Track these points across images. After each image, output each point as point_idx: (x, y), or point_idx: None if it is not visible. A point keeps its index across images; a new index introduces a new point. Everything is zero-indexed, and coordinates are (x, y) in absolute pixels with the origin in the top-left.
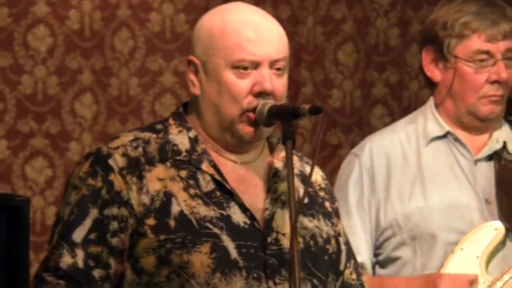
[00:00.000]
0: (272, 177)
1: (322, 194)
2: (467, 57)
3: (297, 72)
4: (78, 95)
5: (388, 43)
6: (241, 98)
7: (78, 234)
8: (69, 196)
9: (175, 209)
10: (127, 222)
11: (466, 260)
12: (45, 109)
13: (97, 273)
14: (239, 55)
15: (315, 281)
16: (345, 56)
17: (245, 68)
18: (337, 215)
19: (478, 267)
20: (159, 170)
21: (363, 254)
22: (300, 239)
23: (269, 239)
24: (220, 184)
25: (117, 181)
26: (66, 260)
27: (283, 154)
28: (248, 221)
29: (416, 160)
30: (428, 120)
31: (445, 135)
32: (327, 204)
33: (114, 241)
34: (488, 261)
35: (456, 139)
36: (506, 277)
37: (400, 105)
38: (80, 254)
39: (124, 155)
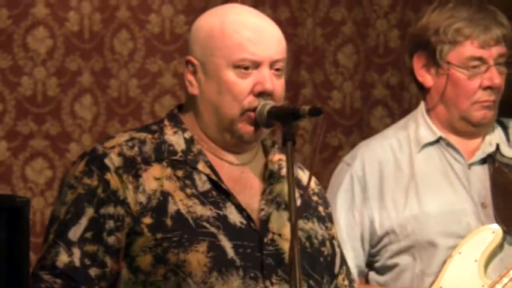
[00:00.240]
0: (267, 179)
1: (315, 198)
2: (460, 64)
3: (296, 74)
4: (77, 96)
5: (388, 45)
6: (242, 97)
7: (75, 233)
8: (64, 196)
9: (172, 208)
10: (123, 221)
11: (464, 264)
12: (45, 110)
13: (93, 271)
14: (240, 55)
15: (311, 282)
16: (345, 58)
17: (246, 68)
18: (331, 220)
19: (477, 271)
20: (156, 170)
21: (349, 262)
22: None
23: (265, 240)
24: (216, 184)
25: (113, 180)
26: (62, 259)
27: (277, 157)
28: (244, 221)
29: (409, 167)
30: (420, 125)
31: (437, 141)
32: (321, 208)
33: (111, 240)
34: (486, 265)
35: (449, 144)
36: (505, 280)
37: (401, 107)
38: (76, 252)
39: (120, 154)
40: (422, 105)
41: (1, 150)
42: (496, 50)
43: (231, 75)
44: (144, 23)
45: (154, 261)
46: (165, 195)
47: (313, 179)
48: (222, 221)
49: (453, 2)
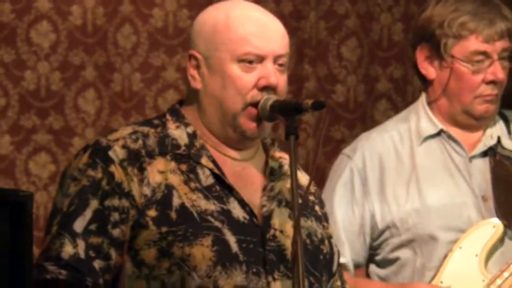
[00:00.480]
0: (269, 176)
1: (312, 198)
2: (464, 58)
3: (300, 68)
4: (81, 90)
5: (392, 38)
6: (245, 91)
7: (79, 225)
8: (67, 188)
9: (176, 201)
10: (128, 214)
11: (465, 258)
12: (48, 105)
13: (98, 264)
14: (245, 48)
15: (311, 279)
16: (349, 51)
17: (250, 62)
18: (327, 220)
19: (478, 265)
20: (160, 163)
21: (346, 256)
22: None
23: (267, 235)
24: (220, 179)
25: (118, 172)
26: (67, 250)
27: (278, 154)
28: (247, 216)
29: (410, 160)
30: (421, 118)
31: (438, 133)
32: (317, 208)
33: (116, 232)
34: (487, 259)
35: (450, 137)
36: (505, 274)
37: (404, 100)
38: (81, 244)
39: (124, 147)
40: (423, 97)
41: (4, 144)
42: (500, 44)
43: (235, 69)
44: (148, 17)
45: (158, 255)
46: (170, 189)
47: (307, 180)
48: (226, 216)
49: None
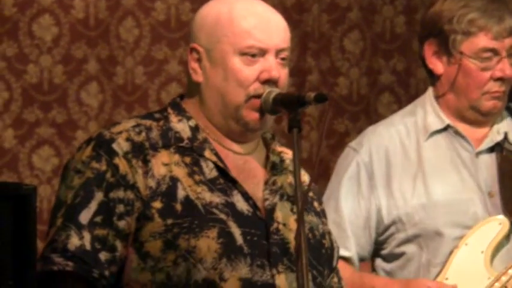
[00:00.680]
0: (270, 170)
1: (310, 194)
2: (473, 54)
3: (303, 60)
4: (84, 84)
5: (395, 30)
6: (247, 84)
7: (84, 217)
8: (71, 180)
9: (181, 193)
10: (133, 206)
11: (470, 254)
12: (51, 98)
13: (103, 255)
14: (248, 42)
15: (314, 272)
16: (351, 44)
17: (253, 55)
18: (325, 216)
19: (483, 262)
20: (163, 156)
21: (351, 250)
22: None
23: (271, 228)
24: (223, 172)
25: (122, 165)
26: (74, 242)
27: (279, 149)
28: (251, 209)
29: (417, 155)
30: (427, 112)
31: (445, 129)
32: (316, 204)
33: (121, 224)
34: (493, 256)
35: (457, 132)
36: (511, 271)
37: (407, 93)
38: (86, 236)
39: (128, 139)
40: (430, 91)
41: (8, 138)
42: (509, 41)
43: (237, 62)
44: (150, 10)
45: (164, 247)
46: (174, 181)
47: (307, 175)
48: (231, 208)
49: None
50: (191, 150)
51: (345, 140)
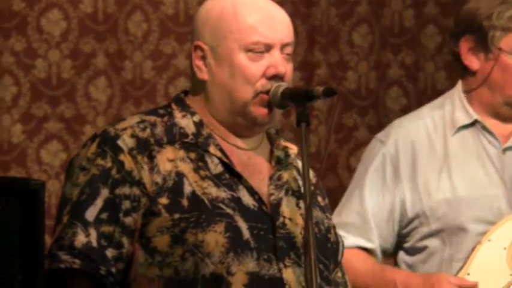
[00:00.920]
0: (275, 165)
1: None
2: None
3: (311, 55)
4: (92, 78)
5: (403, 24)
6: (254, 80)
7: (90, 214)
8: (76, 177)
9: (187, 189)
10: (139, 202)
11: (493, 251)
12: (59, 93)
13: (110, 252)
14: (253, 37)
15: (321, 266)
16: (360, 38)
17: (259, 51)
18: (329, 211)
19: (505, 259)
20: (168, 152)
21: (374, 241)
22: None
23: (277, 223)
24: (228, 167)
25: (127, 161)
26: (80, 239)
27: (283, 144)
28: (256, 204)
29: (443, 149)
30: (456, 107)
31: (472, 124)
32: (320, 199)
33: (127, 220)
34: None
35: (484, 127)
36: None
37: (416, 87)
38: (93, 233)
39: (133, 136)
40: (459, 86)
41: (16, 133)
42: None
43: (243, 58)
44: (158, 4)
45: (171, 242)
46: (180, 176)
47: (311, 171)
48: (237, 203)
49: None
50: (196, 146)
51: (353, 134)
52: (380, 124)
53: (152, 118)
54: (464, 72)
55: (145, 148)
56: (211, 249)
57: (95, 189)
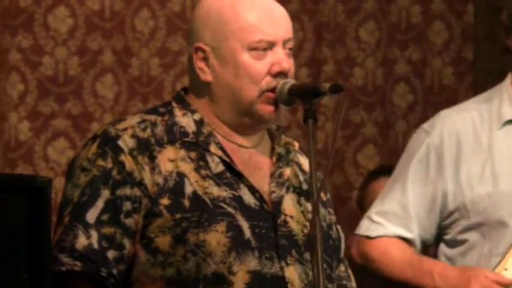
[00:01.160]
0: (276, 162)
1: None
2: None
3: (318, 51)
4: (99, 75)
5: (410, 20)
6: (260, 78)
7: (91, 215)
8: (77, 178)
9: (188, 189)
10: (140, 203)
11: None
12: (66, 90)
13: (111, 254)
14: (256, 36)
15: (324, 264)
16: (367, 34)
17: (262, 49)
18: (331, 206)
19: None
20: (169, 151)
21: (414, 231)
22: (306, 223)
23: (278, 221)
24: (229, 166)
25: (128, 162)
26: (81, 241)
27: (284, 140)
28: (257, 203)
29: (488, 142)
30: (503, 101)
31: None
32: (321, 194)
33: (128, 221)
34: None
35: None
36: None
37: (423, 83)
38: (94, 235)
39: (133, 136)
40: (509, 79)
41: (23, 130)
42: None
43: (247, 57)
44: (165, 1)
45: (173, 242)
46: (181, 177)
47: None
48: (238, 202)
49: None
50: (196, 145)
51: (359, 130)
52: (387, 120)
53: (153, 117)
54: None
55: (146, 148)
56: (212, 248)
57: (96, 191)
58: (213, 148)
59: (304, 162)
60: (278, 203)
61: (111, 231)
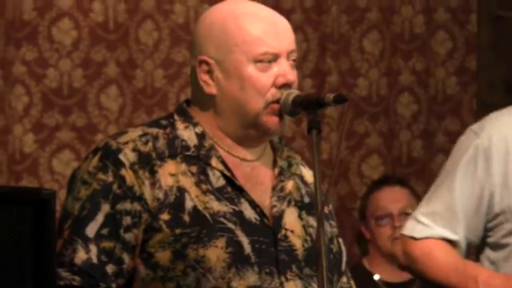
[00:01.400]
0: (278, 176)
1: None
2: None
3: (322, 62)
4: (103, 87)
5: (414, 30)
6: (265, 90)
7: (91, 229)
8: (78, 191)
9: (188, 204)
10: (140, 217)
11: None
12: (71, 102)
13: (110, 268)
14: (261, 48)
15: None
16: (371, 45)
17: (267, 61)
18: (333, 218)
19: None
20: (170, 166)
21: (459, 233)
22: (307, 237)
23: (279, 236)
24: (230, 180)
25: (129, 176)
26: (80, 256)
27: (286, 153)
28: (258, 217)
29: None
30: None
31: None
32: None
33: (128, 236)
34: None
35: None
36: None
37: (427, 93)
38: (93, 249)
39: (134, 150)
40: None
41: (28, 142)
42: None
43: (252, 70)
44: (169, 13)
45: (173, 257)
46: (182, 191)
47: (313, 177)
48: (239, 217)
49: None
50: (197, 159)
51: (364, 140)
52: (391, 130)
53: (154, 130)
54: None
55: (147, 163)
56: (212, 264)
57: (96, 204)
58: (214, 162)
59: (307, 173)
60: (279, 217)
61: (110, 246)
